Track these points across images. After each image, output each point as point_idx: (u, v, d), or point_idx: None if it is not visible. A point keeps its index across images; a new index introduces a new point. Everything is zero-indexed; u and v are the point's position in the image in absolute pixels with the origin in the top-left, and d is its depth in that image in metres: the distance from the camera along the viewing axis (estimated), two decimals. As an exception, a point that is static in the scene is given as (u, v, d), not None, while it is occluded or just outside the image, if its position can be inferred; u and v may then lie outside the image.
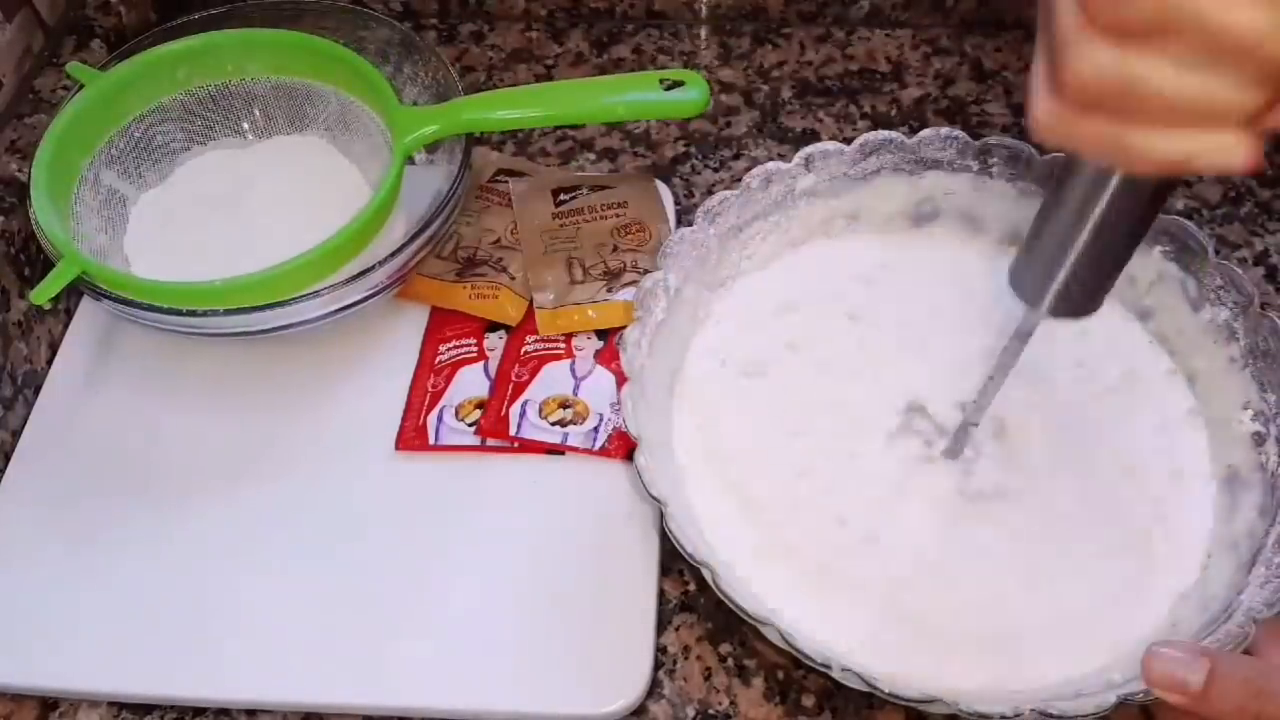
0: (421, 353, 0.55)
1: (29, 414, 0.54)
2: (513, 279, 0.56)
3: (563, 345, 0.55)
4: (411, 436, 0.52)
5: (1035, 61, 0.29)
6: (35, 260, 0.55)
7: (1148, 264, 0.51)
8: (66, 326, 0.57)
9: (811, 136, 0.65)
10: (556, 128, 0.66)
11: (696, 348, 0.52)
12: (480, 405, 0.53)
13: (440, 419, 0.52)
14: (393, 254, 0.50)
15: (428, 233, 0.51)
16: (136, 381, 0.55)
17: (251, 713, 0.46)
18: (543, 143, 0.66)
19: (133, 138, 0.57)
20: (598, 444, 0.51)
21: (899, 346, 0.52)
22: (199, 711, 0.46)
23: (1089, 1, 0.26)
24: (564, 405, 0.52)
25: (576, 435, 0.51)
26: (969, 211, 0.54)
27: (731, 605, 0.41)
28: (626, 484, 0.50)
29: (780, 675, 0.46)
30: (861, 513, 0.47)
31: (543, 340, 0.55)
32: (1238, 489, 0.47)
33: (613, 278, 0.56)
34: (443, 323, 0.56)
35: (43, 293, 0.48)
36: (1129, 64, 0.26)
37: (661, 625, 0.47)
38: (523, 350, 0.54)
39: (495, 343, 0.55)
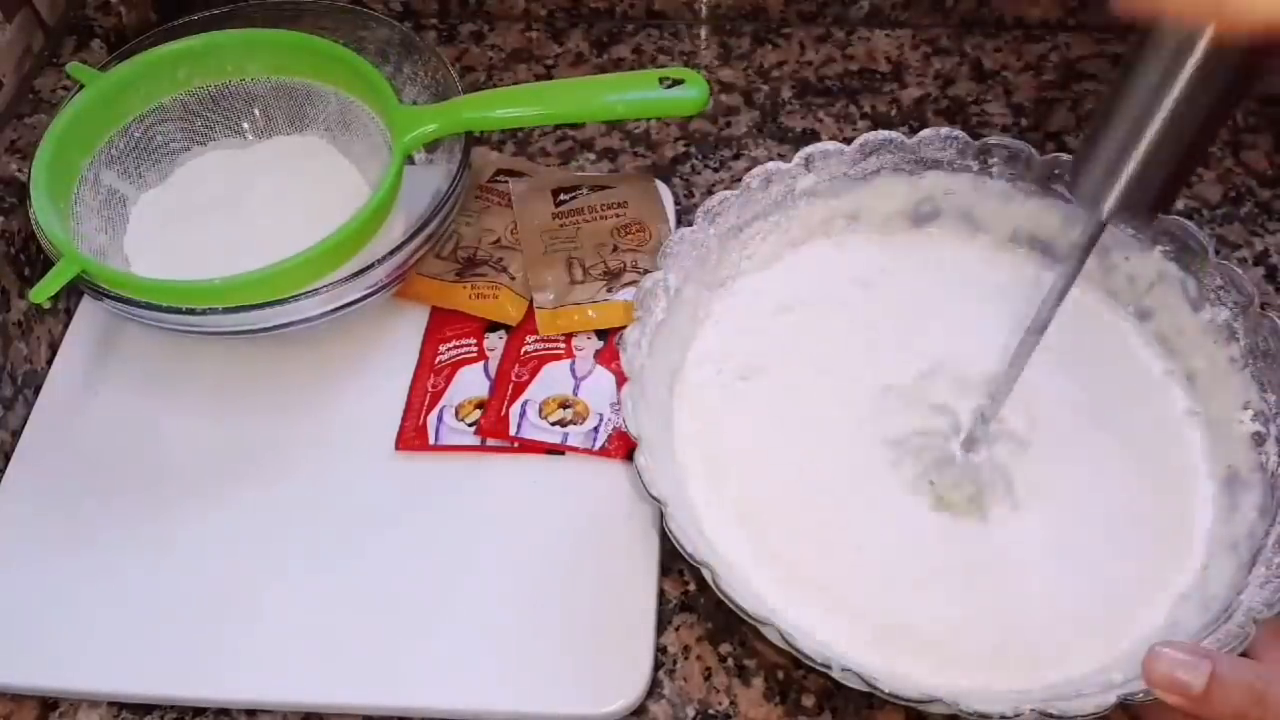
0: (421, 353, 0.55)
1: (29, 414, 0.54)
2: (513, 279, 0.56)
3: (563, 345, 0.55)
4: (411, 436, 0.52)
5: None
6: (35, 260, 0.55)
7: (1148, 264, 0.51)
8: (66, 326, 0.57)
9: (811, 136, 0.65)
10: (556, 127, 0.66)
11: (696, 348, 0.52)
12: (480, 405, 0.53)
13: (440, 419, 0.52)
14: (392, 252, 0.50)
15: (427, 231, 0.51)
16: (136, 381, 0.55)
17: (251, 713, 0.46)
18: (543, 143, 0.66)
19: (133, 138, 0.57)
20: (598, 444, 0.51)
21: (899, 346, 0.52)
22: (199, 711, 0.46)
23: None
24: (564, 405, 0.52)
25: (576, 435, 0.51)
26: (969, 211, 0.54)
27: (731, 605, 0.41)
28: (626, 484, 0.50)
29: (780, 675, 0.46)
30: (862, 512, 0.47)
31: (543, 340, 0.55)
32: (1238, 489, 0.47)
33: (613, 278, 0.56)
34: (443, 323, 0.56)
35: (42, 291, 0.48)
36: None
37: (661, 625, 0.47)
38: (523, 350, 0.54)
39: (495, 343, 0.55)
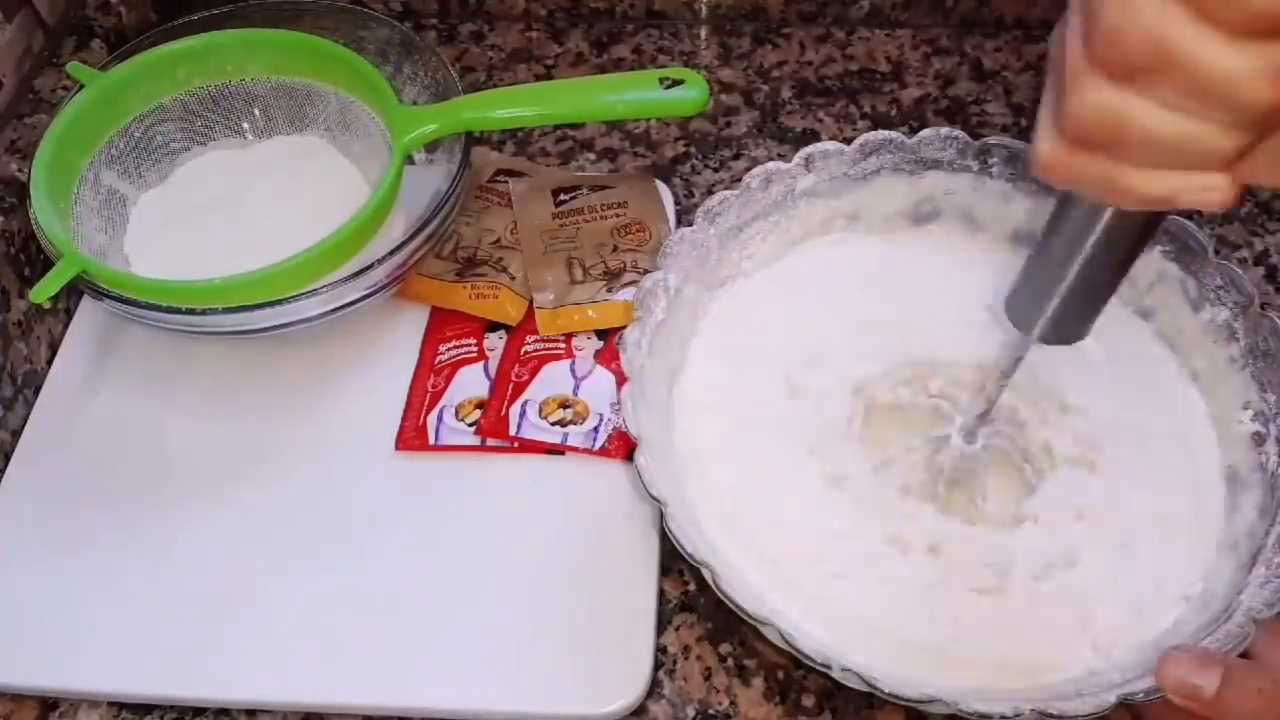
0: (421, 353, 0.55)
1: (29, 414, 0.54)
2: (513, 279, 0.56)
3: (563, 345, 0.55)
4: (411, 436, 0.52)
5: (1042, 105, 0.31)
6: (35, 260, 0.55)
7: (1148, 264, 0.51)
8: (66, 326, 0.57)
9: (811, 136, 0.65)
10: (556, 128, 0.66)
11: (696, 348, 0.52)
12: (480, 405, 0.53)
13: (440, 419, 0.52)
14: (392, 252, 0.50)
15: (427, 231, 0.51)
16: (136, 381, 0.55)
17: (252, 713, 0.46)
18: (543, 143, 0.66)
19: (133, 138, 0.57)
20: (598, 444, 0.51)
21: (899, 347, 0.52)
22: (199, 711, 0.46)
23: (1091, 42, 0.27)
24: (564, 405, 0.52)
25: (576, 435, 0.51)
26: (969, 211, 0.54)
27: (731, 605, 0.41)
28: (626, 484, 0.50)
29: (780, 675, 0.46)
30: (862, 512, 0.47)
31: (543, 340, 0.55)
32: (1238, 489, 0.47)
33: (613, 278, 0.56)
34: (443, 323, 0.56)
35: (42, 291, 0.48)
36: (1125, 103, 0.27)
37: (661, 625, 0.47)
38: (523, 350, 0.54)
39: (495, 343, 0.55)
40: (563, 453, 0.51)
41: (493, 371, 0.54)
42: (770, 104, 0.67)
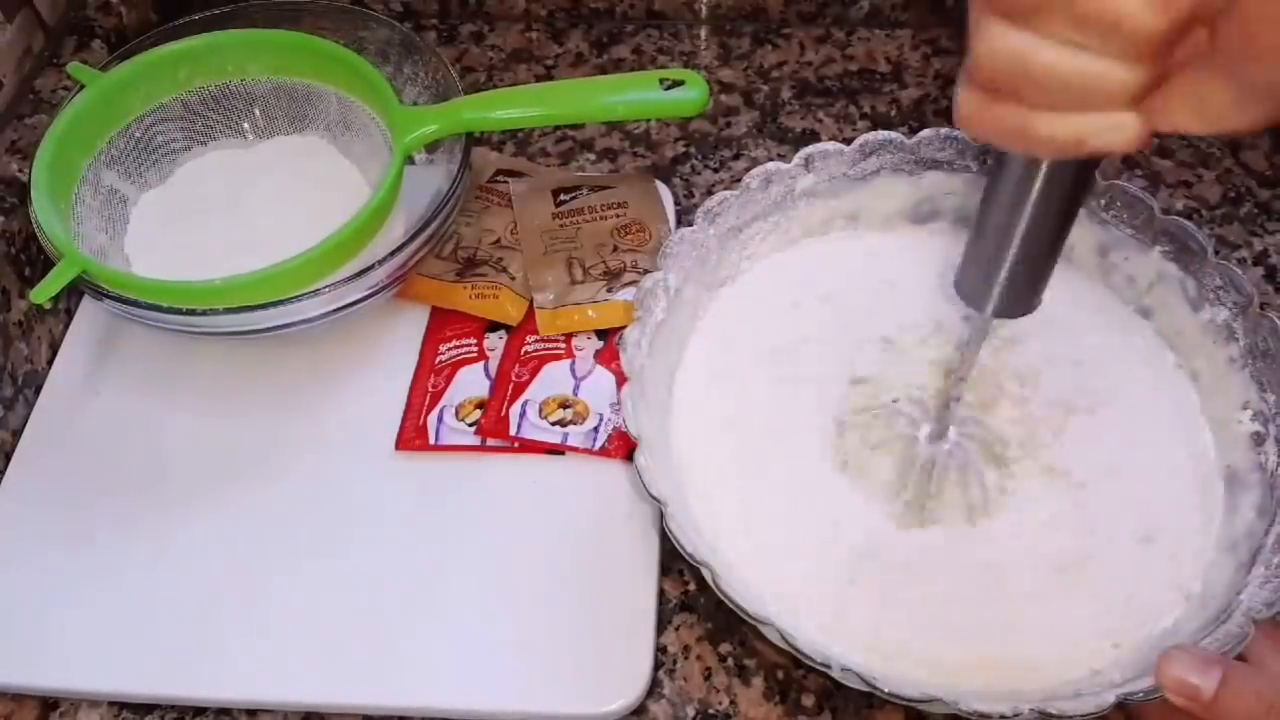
0: (422, 353, 0.55)
1: (29, 414, 0.54)
2: (513, 279, 0.56)
3: (563, 345, 0.55)
4: (411, 436, 0.52)
5: (963, 61, 0.31)
6: (36, 260, 0.55)
7: (1147, 264, 0.51)
8: (67, 326, 0.57)
9: (811, 137, 0.65)
10: (556, 128, 0.66)
11: (696, 348, 0.52)
12: (480, 405, 0.53)
13: (440, 419, 0.52)
14: (392, 253, 0.50)
15: (427, 232, 0.51)
16: (137, 382, 0.55)
17: (252, 713, 0.46)
18: (543, 143, 0.66)
19: (133, 138, 0.57)
20: (598, 444, 0.51)
21: (900, 346, 0.52)
22: (199, 711, 0.46)
23: None
24: (564, 405, 0.52)
25: (576, 435, 0.51)
26: (969, 211, 0.54)
27: (731, 605, 0.41)
28: (626, 484, 0.50)
29: (780, 675, 0.46)
30: (862, 512, 0.47)
31: (543, 340, 0.55)
32: (1237, 489, 0.47)
33: (613, 278, 0.56)
34: (443, 323, 0.56)
35: (43, 292, 0.48)
36: (1023, 44, 0.28)
37: (661, 625, 0.47)
38: (523, 350, 0.54)
39: (495, 343, 0.55)
40: (563, 453, 0.51)
41: (493, 371, 0.54)
42: (770, 104, 0.67)
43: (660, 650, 0.47)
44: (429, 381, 0.54)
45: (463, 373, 0.54)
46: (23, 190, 0.53)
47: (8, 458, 0.52)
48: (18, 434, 0.53)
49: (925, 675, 0.42)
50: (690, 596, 0.48)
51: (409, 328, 0.56)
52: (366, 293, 0.51)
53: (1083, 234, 0.52)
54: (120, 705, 0.46)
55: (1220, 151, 0.64)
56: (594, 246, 0.58)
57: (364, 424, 0.53)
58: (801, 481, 0.48)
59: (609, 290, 0.56)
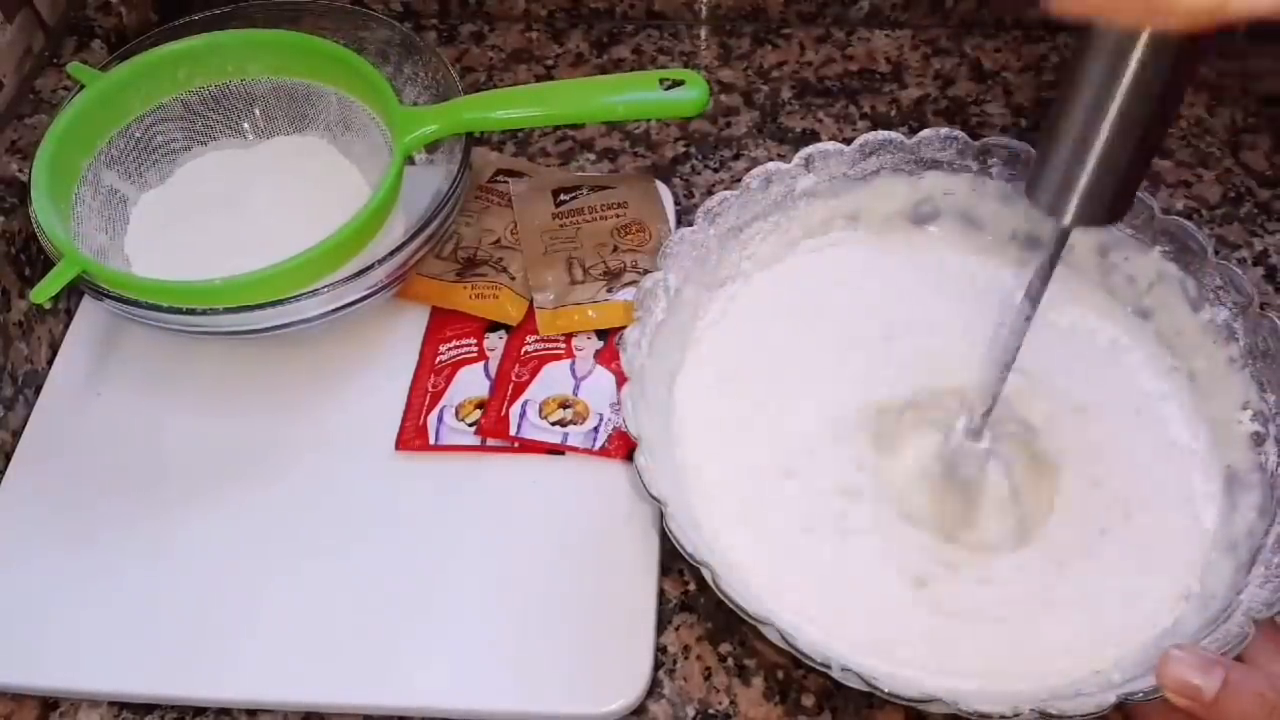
0: (422, 353, 0.55)
1: (29, 414, 0.54)
2: (513, 279, 0.56)
3: (563, 345, 0.55)
4: (411, 436, 0.52)
5: None
6: (36, 260, 0.55)
7: (1147, 264, 0.51)
8: (67, 326, 0.57)
9: (811, 137, 0.65)
10: (556, 128, 0.66)
11: (696, 348, 0.52)
12: (480, 405, 0.53)
13: (440, 419, 0.52)
14: (392, 253, 0.50)
15: (427, 231, 0.51)
16: (137, 382, 0.55)
17: (252, 713, 0.46)
18: (543, 143, 0.66)
19: (133, 138, 0.57)
20: (598, 444, 0.51)
21: (900, 346, 0.52)
22: (199, 711, 0.46)
23: None
24: (564, 405, 0.52)
25: (576, 435, 0.51)
26: (969, 211, 0.54)
27: (731, 605, 0.41)
28: (626, 484, 0.50)
29: (780, 675, 0.46)
30: (863, 513, 0.47)
31: (543, 340, 0.55)
32: (1237, 489, 0.47)
33: (613, 278, 0.56)
34: (443, 323, 0.56)
35: (43, 292, 0.48)
36: None
37: (661, 625, 0.47)
38: (523, 350, 0.54)
39: (495, 343, 0.55)
40: (563, 453, 0.51)
41: (493, 371, 0.54)
42: (770, 104, 0.67)
43: (660, 650, 0.47)
44: (429, 381, 0.54)
45: (463, 373, 0.54)
46: (23, 190, 0.53)
47: (8, 458, 0.52)
48: (18, 434, 0.53)
49: (925, 675, 0.42)
50: (690, 596, 0.48)
51: (409, 328, 0.56)
52: (366, 293, 0.51)
53: (1082, 234, 0.52)
54: (120, 705, 0.46)
55: (1220, 151, 0.64)
56: (594, 246, 0.58)
57: (364, 424, 0.53)
58: (803, 481, 0.48)
59: (609, 290, 0.56)
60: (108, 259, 0.54)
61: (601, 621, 0.46)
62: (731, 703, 0.45)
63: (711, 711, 0.45)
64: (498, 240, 0.58)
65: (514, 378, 0.53)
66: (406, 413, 0.53)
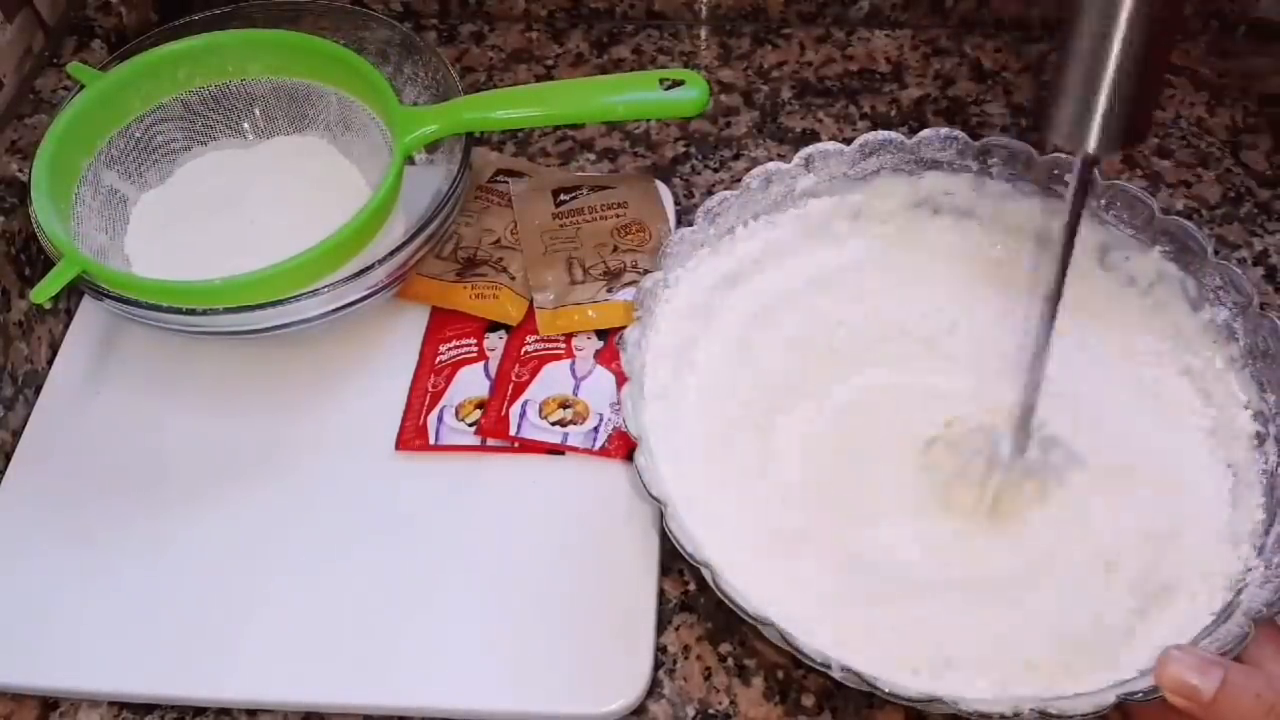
0: (422, 353, 0.55)
1: (29, 414, 0.54)
2: (513, 279, 0.56)
3: (563, 345, 0.55)
4: (411, 436, 0.52)
5: None
6: (36, 260, 0.55)
7: (1147, 264, 0.51)
8: (67, 326, 0.57)
9: (811, 137, 0.66)
10: (556, 128, 0.66)
11: (696, 348, 0.52)
12: (480, 405, 0.53)
13: (440, 419, 0.52)
14: (392, 253, 0.50)
15: (427, 231, 0.51)
16: (137, 382, 0.55)
17: (252, 713, 0.46)
18: (543, 143, 0.66)
19: (133, 138, 0.57)
20: (598, 444, 0.51)
21: (901, 346, 0.52)
22: (199, 711, 0.46)
23: None
24: (564, 405, 0.52)
25: (576, 435, 0.51)
26: (969, 212, 0.54)
27: (731, 605, 0.41)
28: (626, 484, 0.50)
29: (780, 675, 0.46)
30: (865, 515, 0.47)
31: (543, 340, 0.55)
32: (1238, 489, 0.46)
33: (613, 278, 0.56)
34: (443, 323, 0.56)
35: (43, 292, 0.48)
36: None
37: (661, 625, 0.47)
38: (523, 350, 0.54)
39: (495, 343, 0.55)
40: (563, 453, 0.51)
41: (493, 371, 0.54)
42: (770, 104, 0.68)
43: (660, 650, 0.47)
44: (429, 381, 0.54)
45: (463, 373, 0.54)
46: (23, 190, 0.53)
47: (8, 458, 0.52)
48: (18, 434, 0.53)
49: (925, 675, 0.42)
50: (690, 596, 0.48)
51: (409, 328, 0.56)
52: (366, 293, 0.51)
53: (1082, 234, 0.52)
54: (120, 705, 0.46)
55: (1220, 151, 0.64)
56: (594, 246, 0.58)
57: (364, 424, 0.53)
58: (804, 482, 0.48)
59: (609, 290, 0.56)
60: (108, 259, 0.54)
61: (601, 621, 0.46)
62: (731, 703, 0.46)
63: (711, 711, 0.45)
64: (498, 240, 0.58)
65: (514, 378, 0.53)
66: (406, 413, 0.53)
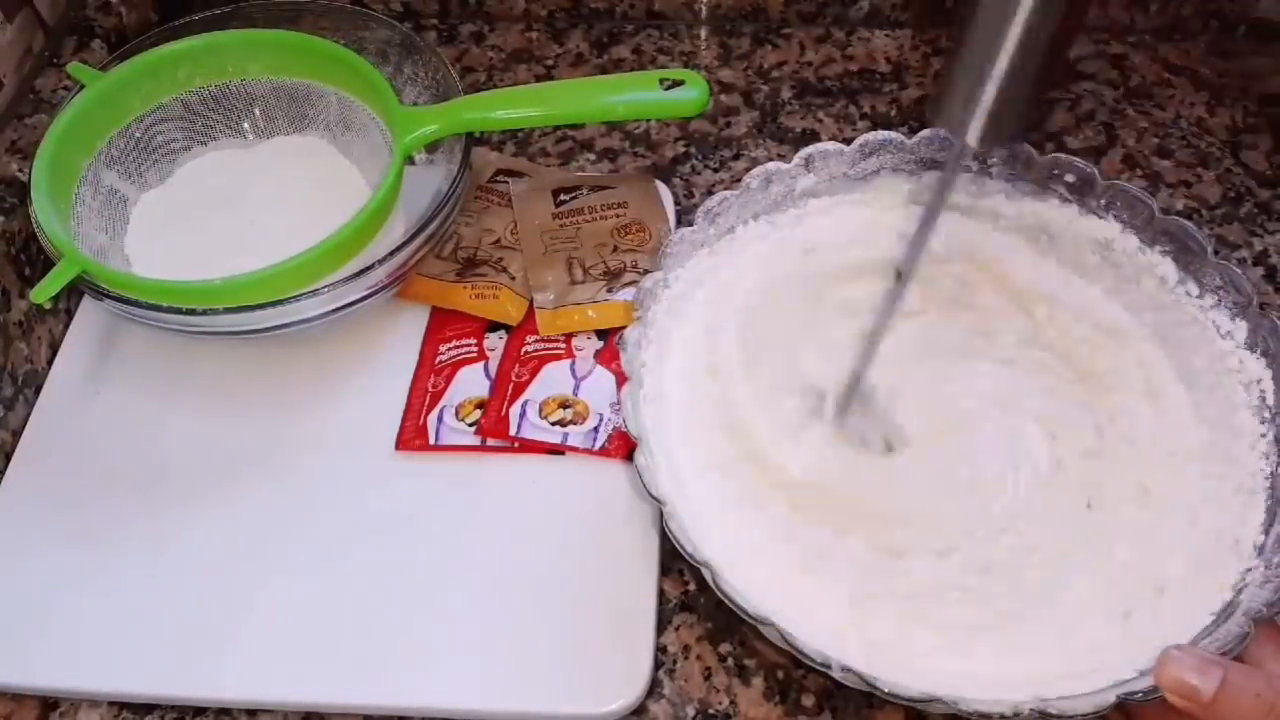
0: (422, 353, 0.55)
1: (29, 414, 0.54)
2: (513, 279, 0.56)
3: (563, 345, 0.55)
4: (411, 436, 0.52)
5: None
6: (36, 260, 0.55)
7: (1147, 264, 0.51)
8: (67, 326, 0.57)
9: (811, 137, 0.66)
10: (556, 128, 0.66)
11: (696, 347, 0.52)
12: (480, 405, 0.53)
13: (440, 419, 0.52)
14: (392, 253, 0.50)
15: (427, 231, 0.51)
16: (137, 382, 0.55)
17: (252, 713, 0.46)
18: (543, 143, 0.66)
19: (133, 138, 0.57)
20: (598, 444, 0.51)
21: (900, 346, 0.52)
22: (199, 711, 0.46)
23: None
24: (564, 405, 0.52)
25: (576, 435, 0.51)
26: (969, 211, 0.54)
27: (731, 605, 0.41)
28: (626, 484, 0.50)
29: (780, 675, 0.46)
30: (865, 514, 0.47)
31: (543, 340, 0.55)
32: (1238, 489, 0.46)
33: (613, 278, 0.56)
34: (443, 323, 0.56)
35: (43, 292, 0.48)
36: None
37: (661, 625, 0.47)
38: (523, 350, 0.54)
39: (495, 343, 0.55)
40: (563, 453, 0.51)
41: (493, 371, 0.54)
42: (770, 104, 0.68)
43: (660, 650, 0.47)
44: (429, 381, 0.54)
45: (463, 373, 0.54)
46: (23, 190, 0.53)
47: (8, 458, 0.52)
48: (18, 434, 0.53)
49: (925, 674, 0.42)
50: (690, 596, 0.48)
51: (409, 328, 0.56)
52: (366, 293, 0.51)
53: (1085, 229, 0.52)
54: (120, 705, 0.46)
55: (1220, 151, 0.64)
56: (594, 246, 0.58)
57: (364, 424, 0.53)
58: (805, 481, 0.48)
59: (609, 290, 0.56)
60: (108, 259, 0.54)
61: (601, 621, 0.46)
62: (731, 703, 0.46)
63: (711, 711, 0.45)
64: (498, 240, 0.58)
65: (514, 378, 0.53)
66: (406, 413, 0.53)
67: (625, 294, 0.55)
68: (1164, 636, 0.43)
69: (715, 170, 0.64)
